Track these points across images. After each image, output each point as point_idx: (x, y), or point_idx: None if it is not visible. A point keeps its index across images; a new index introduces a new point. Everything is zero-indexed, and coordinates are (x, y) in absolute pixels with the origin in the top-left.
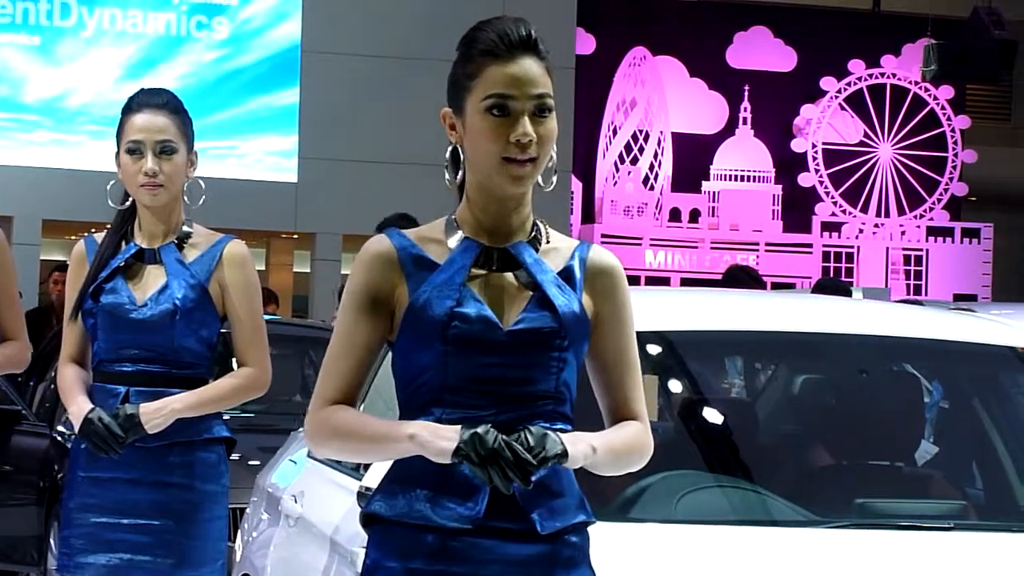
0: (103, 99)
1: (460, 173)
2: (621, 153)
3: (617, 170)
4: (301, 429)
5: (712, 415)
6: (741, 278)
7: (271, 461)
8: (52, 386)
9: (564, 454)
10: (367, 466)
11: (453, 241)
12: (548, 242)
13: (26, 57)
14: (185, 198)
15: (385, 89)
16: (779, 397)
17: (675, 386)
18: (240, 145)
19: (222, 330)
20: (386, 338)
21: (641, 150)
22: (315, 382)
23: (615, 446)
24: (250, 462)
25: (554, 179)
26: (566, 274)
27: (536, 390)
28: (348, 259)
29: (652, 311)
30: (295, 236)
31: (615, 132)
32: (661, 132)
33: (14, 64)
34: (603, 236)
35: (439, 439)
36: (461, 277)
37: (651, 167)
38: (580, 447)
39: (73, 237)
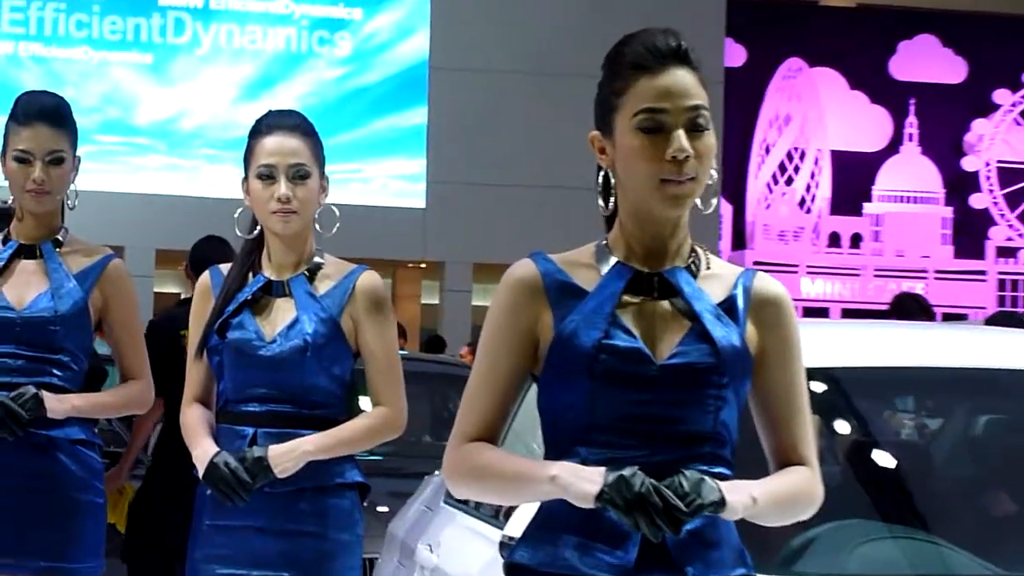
0: (218, 121)
1: (612, 199)
2: (775, 173)
3: (770, 192)
4: (436, 473)
5: (883, 459)
6: (910, 308)
7: (403, 508)
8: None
9: (721, 503)
10: (509, 513)
11: (605, 266)
12: (708, 268)
13: (138, 77)
14: (316, 226)
15: (520, 107)
16: (956, 439)
17: (841, 427)
18: (364, 169)
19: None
20: (530, 370)
21: (796, 170)
22: (445, 422)
23: (780, 494)
24: (379, 508)
25: (714, 201)
26: (728, 304)
27: (691, 430)
28: (479, 290)
29: (813, 345)
30: (423, 265)
31: (768, 150)
32: (818, 150)
33: (125, 84)
34: (755, 263)
35: (582, 481)
36: (611, 305)
37: (807, 188)
38: (740, 496)
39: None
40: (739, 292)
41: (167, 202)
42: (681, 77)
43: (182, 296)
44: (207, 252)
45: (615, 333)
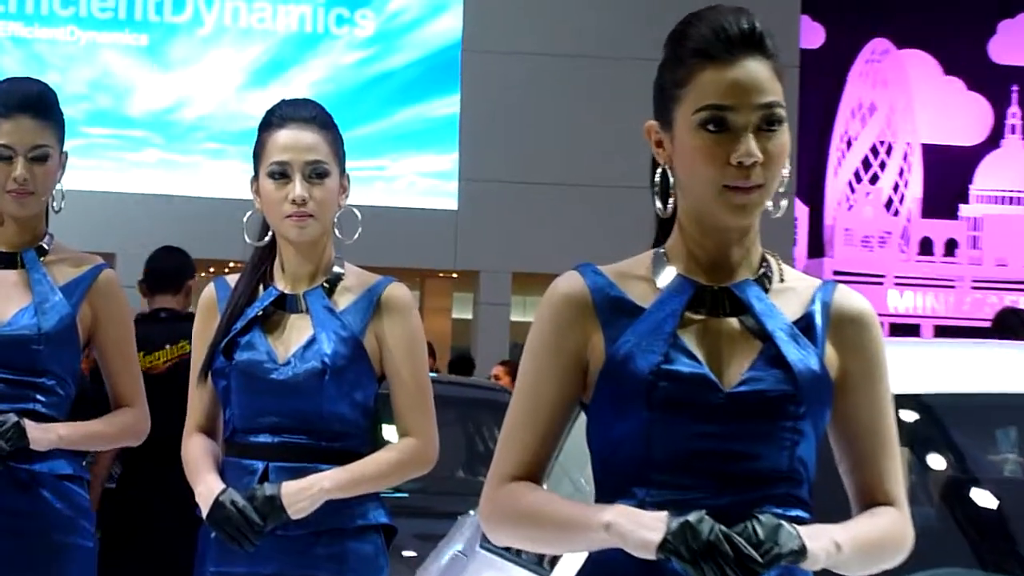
0: (223, 111)
1: (671, 200)
2: (857, 170)
3: (852, 191)
4: (471, 512)
5: (982, 498)
6: (1014, 325)
7: (433, 552)
8: None
9: (801, 551)
10: (554, 560)
11: (663, 279)
12: (782, 281)
13: (131, 61)
14: (336, 231)
15: (565, 95)
16: None
17: (935, 462)
18: (389, 165)
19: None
20: (578, 398)
21: (882, 166)
22: (480, 455)
23: (866, 540)
24: (406, 553)
25: (783, 204)
26: (804, 322)
27: (764, 468)
28: (518, 303)
29: (902, 369)
30: (454, 275)
31: (850, 144)
32: (907, 143)
33: (117, 69)
34: (835, 273)
35: (642, 529)
36: (671, 325)
37: (895, 187)
38: (822, 543)
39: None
40: (817, 308)
41: (164, 203)
42: (753, 69)
43: (139, 313)
44: (165, 265)
45: (676, 356)
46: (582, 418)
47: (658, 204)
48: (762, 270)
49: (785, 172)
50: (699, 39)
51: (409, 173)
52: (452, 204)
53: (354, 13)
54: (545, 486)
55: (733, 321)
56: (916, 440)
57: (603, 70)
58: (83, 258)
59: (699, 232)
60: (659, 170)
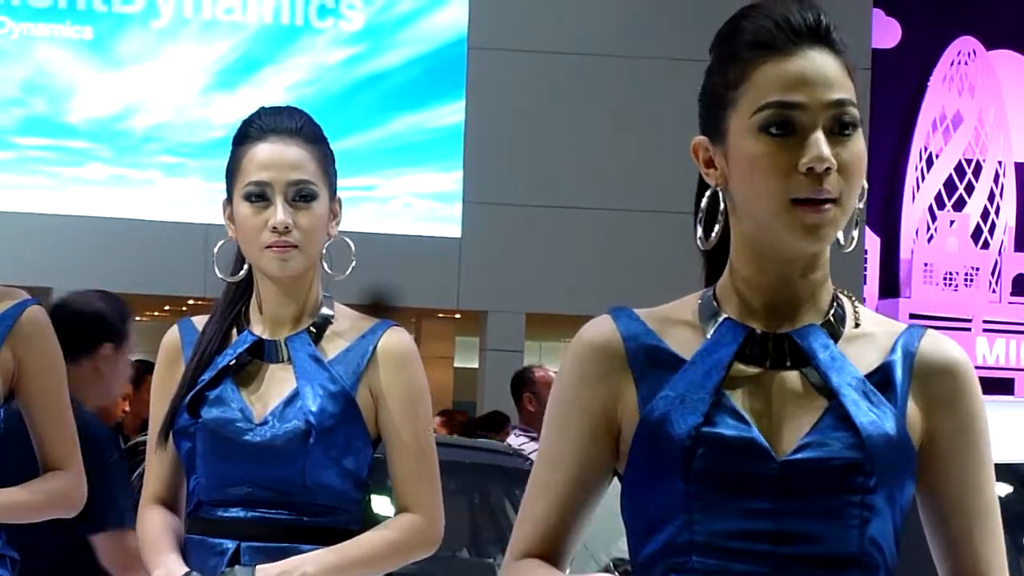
0: (183, 119)
1: (717, 228)
2: (940, 193)
3: (933, 219)
4: None
5: None
6: None
7: None
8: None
9: None
10: None
11: (711, 326)
12: (857, 326)
13: (72, 57)
14: (324, 264)
15: (593, 102)
16: None
17: None
18: (380, 184)
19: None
20: (609, 466)
21: (970, 189)
22: (488, 531)
23: None
24: None
25: (855, 234)
26: (881, 375)
27: (828, 551)
28: (532, 349)
29: (999, 433)
30: (457, 316)
31: (930, 162)
32: (999, 162)
33: (55, 68)
34: (911, 316)
35: None
36: (716, 379)
37: (984, 214)
38: None
39: (139, 318)
40: (898, 358)
41: (111, 228)
42: (821, 62)
43: None
44: (62, 322)
45: (720, 418)
46: (615, 486)
47: (699, 232)
48: (831, 312)
49: (863, 188)
50: (757, 30)
51: (404, 194)
52: (455, 231)
53: (340, 3)
54: (568, 569)
55: (794, 375)
56: (1011, 518)
57: (641, 72)
58: (5, 293)
59: (756, 266)
60: (708, 193)
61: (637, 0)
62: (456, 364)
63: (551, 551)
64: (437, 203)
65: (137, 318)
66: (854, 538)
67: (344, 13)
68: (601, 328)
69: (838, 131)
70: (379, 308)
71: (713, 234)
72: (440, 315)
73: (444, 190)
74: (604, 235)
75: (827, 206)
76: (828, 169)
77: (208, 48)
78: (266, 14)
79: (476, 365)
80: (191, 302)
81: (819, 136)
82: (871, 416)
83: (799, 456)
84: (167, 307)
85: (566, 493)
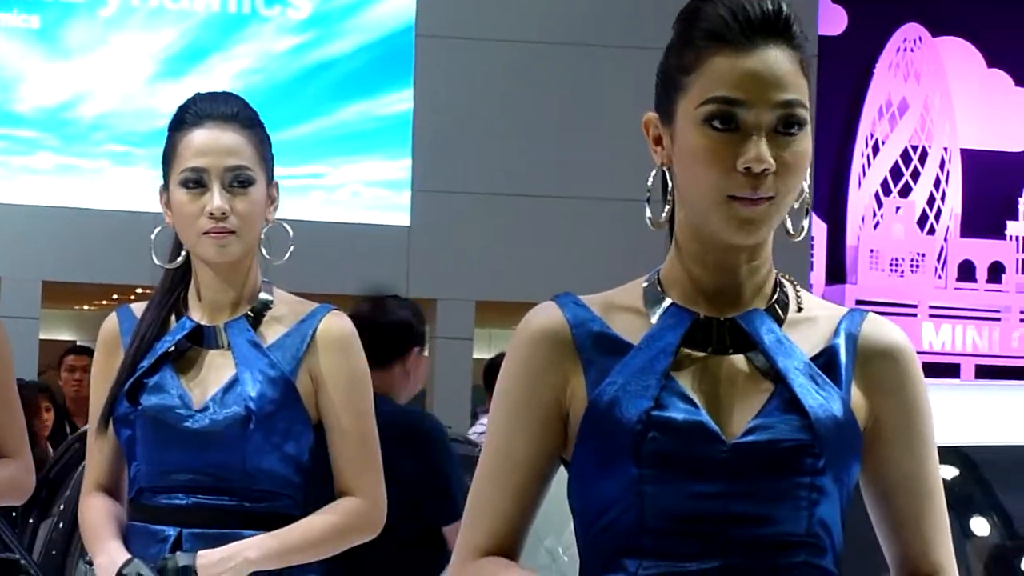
0: (130, 107)
1: (667, 209)
2: (886, 180)
3: (879, 205)
4: None
5: None
6: None
7: None
8: (60, 524)
9: None
10: None
11: (656, 311)
12: (800, 310)
13: (19, 46)
14: (263, 250)
15: (542, 90)
16: None
17: (980, 527)
18: (329, 172)
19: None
20: (558, 454)
21: (916, 175)
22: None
23: None
24: None
25: (805, 223)
26: (826, 358)
27: (778, 533)
28: (483, 337)
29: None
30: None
31: (876, 149)
32: (945, 149)
33: (2, 57)
34: (858, 302)
35: None
36: (664, 364)
37: (930, 200)
38: None
39: (88, 307)
40: (842, 341)
41: (59, 217)
42: (774, 60)
43: None
44: None
45: (670, 402)
46: (561, 475)
47: (648, 212)
48: (775, 297)
49: (805, 186)
50: (713, 19)
51: (353, 182)
52: (404, 219)
53: None
54: (521, 560)
55: (740, 359)
56: (956, 500)
57: (591, 60)
58: None
59: (699, 252)
60: (654, 172)
61: None
62: None
63: (508, 545)
64: (386, 191)
65: (85, 307)
66: (803, 520)
67: (291, 1)
68: (547, 315)
69: (783, 130)
70: (382, 299)
71: (664, 215)
72: None
73: (393, 178)
74: (554, 223)
75: (761, 204)
76: (765, 171)
77: (155, 36)
78: (213, 2)
79: (426, 353)
80: (139, 291)
81: (761, 137)
82: (819, 399)
83: (749, 439)
84: (115, 296)
85: (521, 484)
